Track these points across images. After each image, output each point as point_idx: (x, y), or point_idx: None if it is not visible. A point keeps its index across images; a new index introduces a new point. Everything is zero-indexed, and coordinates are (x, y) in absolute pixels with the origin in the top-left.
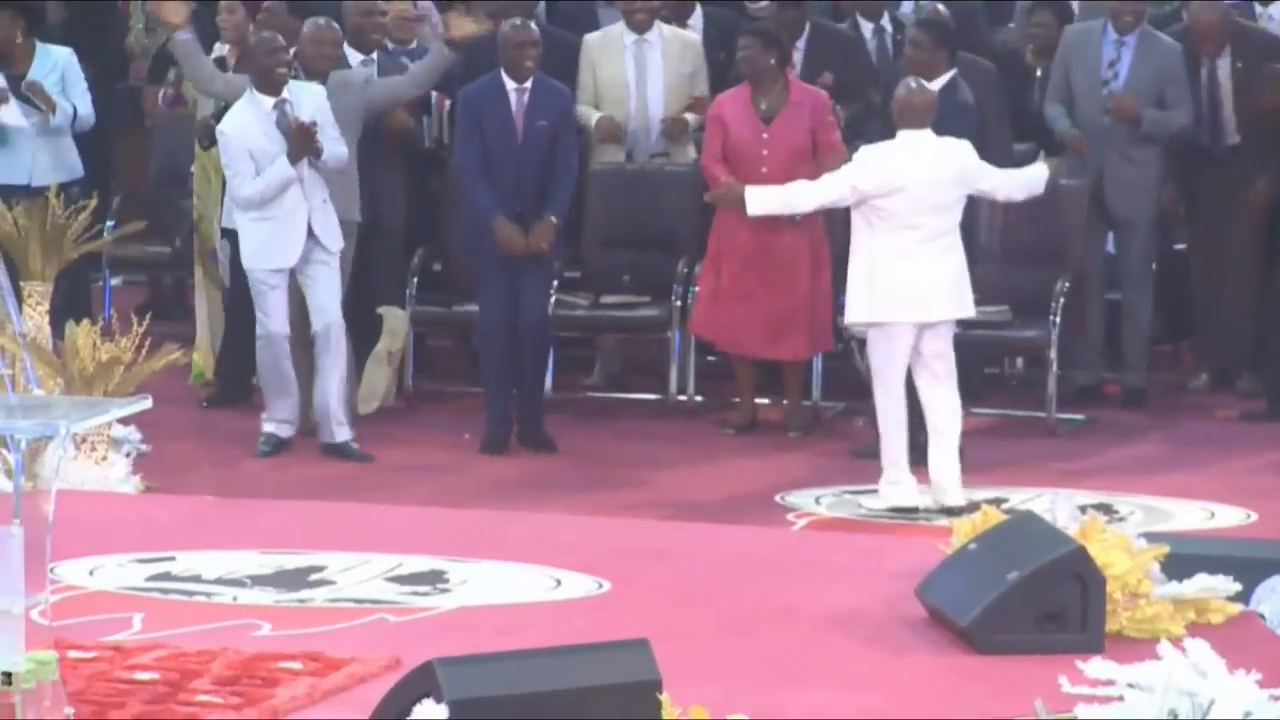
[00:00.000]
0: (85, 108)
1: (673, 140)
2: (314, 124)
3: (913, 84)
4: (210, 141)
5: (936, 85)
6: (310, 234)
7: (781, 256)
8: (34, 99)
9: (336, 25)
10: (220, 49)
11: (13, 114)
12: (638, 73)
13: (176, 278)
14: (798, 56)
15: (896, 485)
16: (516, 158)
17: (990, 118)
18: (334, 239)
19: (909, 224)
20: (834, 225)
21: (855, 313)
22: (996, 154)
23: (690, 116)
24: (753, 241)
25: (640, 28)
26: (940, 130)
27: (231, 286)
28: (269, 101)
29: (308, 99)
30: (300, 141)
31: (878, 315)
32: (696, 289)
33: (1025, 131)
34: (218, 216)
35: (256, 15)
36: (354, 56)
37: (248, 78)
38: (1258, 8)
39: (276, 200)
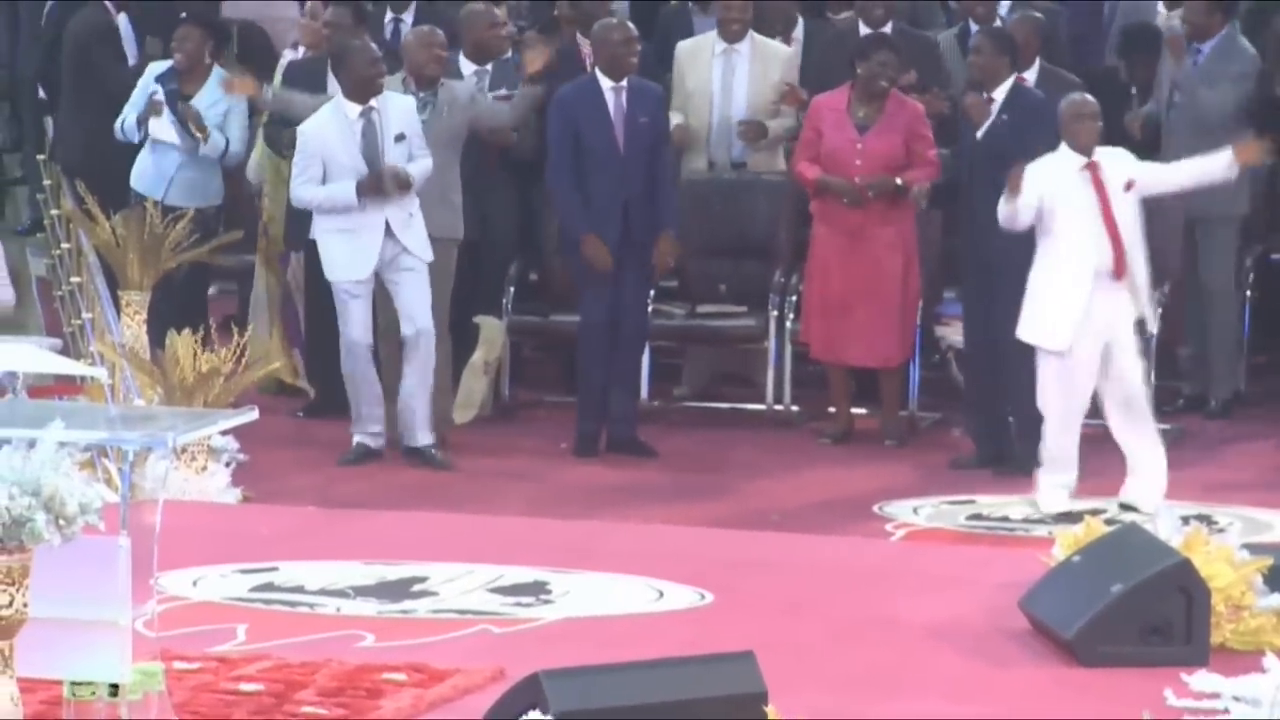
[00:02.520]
0: (238, 143)
1: (748, 142)
2: (402, 177)
3: (1075, 97)
4: (282, 147)
5: (1000, 92)
6: (394, 239)
7: (875, 264)
8: (189, 122)
9: (441, 31)
10: (292, 53)
11: (164, 129)
12: (723, 81)
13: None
14: None
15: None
16: (618, 158)
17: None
18: (421, 248)
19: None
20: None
21: None
22: None
23: (773, 124)
24: (847, 249)
25: (732, 37)
26: (1019, 130)
27: (309, 295)
28: (355, 109)
29: (395, 110)
30: (375, 184)
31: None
32: (795, 298)
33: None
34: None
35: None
36: (467, 66)
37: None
38: (1160, 9)
39: (357, 212)
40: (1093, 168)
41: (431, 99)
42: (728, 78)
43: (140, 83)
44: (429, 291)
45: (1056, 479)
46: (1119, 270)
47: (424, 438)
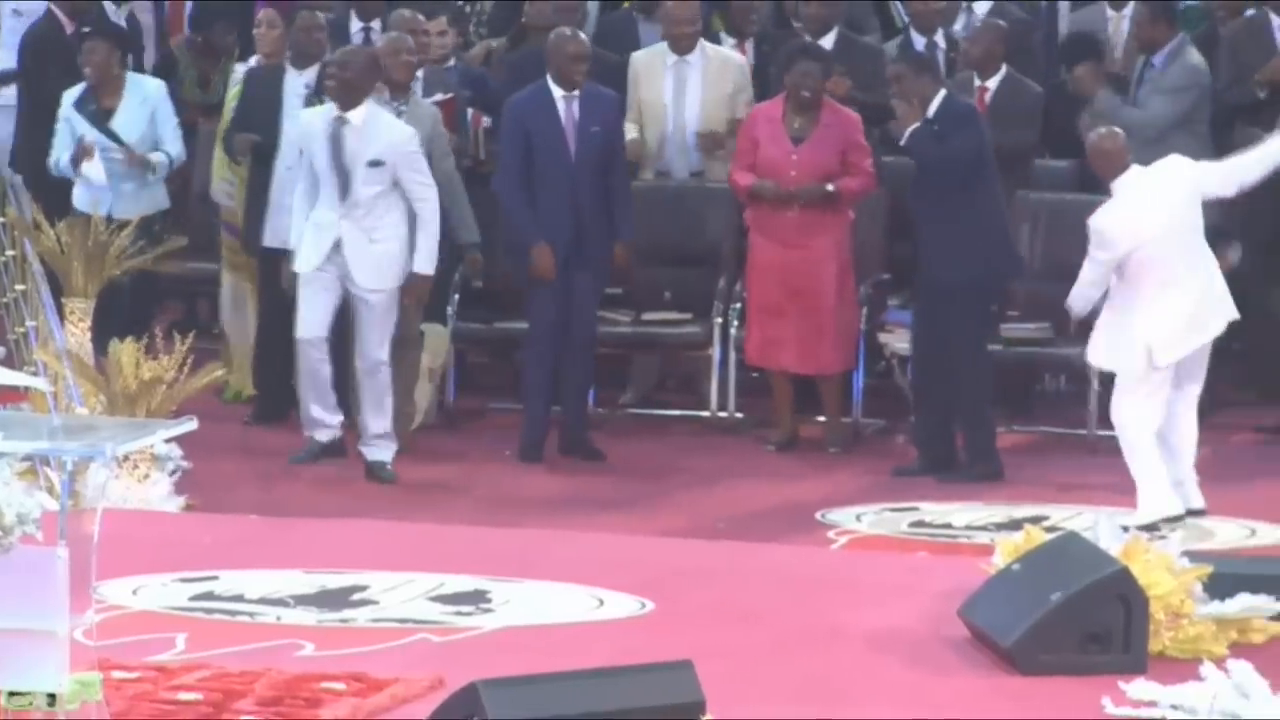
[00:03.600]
0: (176, 147)
1: (707, 154)
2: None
3: (1102, 130)
4: (237, 153)
5: (933, 107)
6: (343, 258)
7: (809, 272)
8: (132, 165)
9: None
10: (253, 61)
11: (96, 170)
12: (676, 93)
13: (215, 295)
14: None
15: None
16: (568, 166)
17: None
18: (370, 278)
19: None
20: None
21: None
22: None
23: (726, 131)
24: (782, 258)
25: (682, 49)
26: (945, 134)
27: (263, 302)
28: (333, 113)
29: (380, 133)
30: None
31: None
32: (740, 306)
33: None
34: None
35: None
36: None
37: None
38: (1273, 19)
39: (316, 206)
40: None
41: (403, 107)
42: (680, 89)
43: (60, 113)
44: (383, 322)
45: None
46: None
47: (375, 454)
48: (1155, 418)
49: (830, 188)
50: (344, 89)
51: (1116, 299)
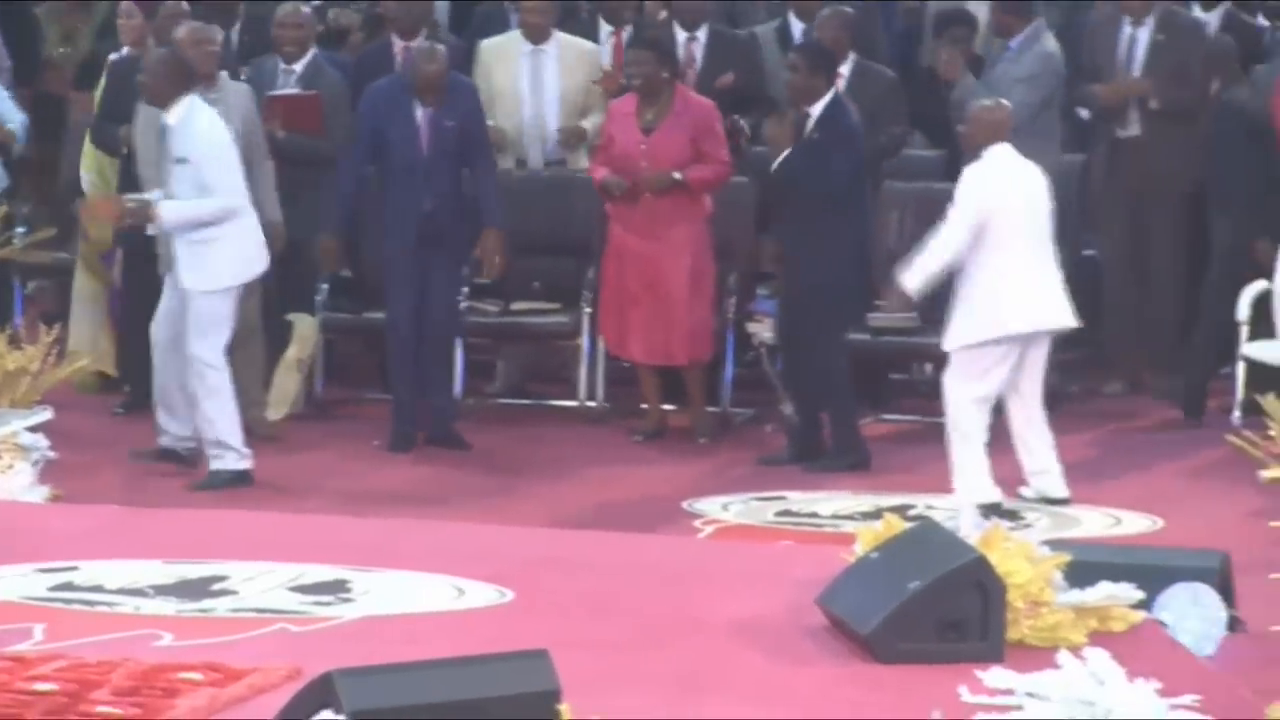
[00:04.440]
0: (21, 116)
1: (569, 149)
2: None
3: (988, 101)
4: (118, 146)
5: (817, 109)
6: (173, 260)
7: (662, 262)
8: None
9: (216, 28)
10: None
11: None
12: (533, 82)
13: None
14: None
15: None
16: (421, 161)
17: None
18: (186, 275)
19: (1024, 239)
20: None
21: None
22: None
23: (587, 124)
24: (637, 247)
25: (536, 38)
26: (826, 153)
27: (126, 293)
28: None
29: (189, 130)
30: None
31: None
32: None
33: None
34: None
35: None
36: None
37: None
38: (1196, 11)
39: None
40: None
41: (213, 95)
42: (537, 77)
43: None
44: (198, 322)
45: None
46: None
47: (213, 464)
48: (990, 399)
49: (678, 175)
50: (146, 92)
51: (968, 279)
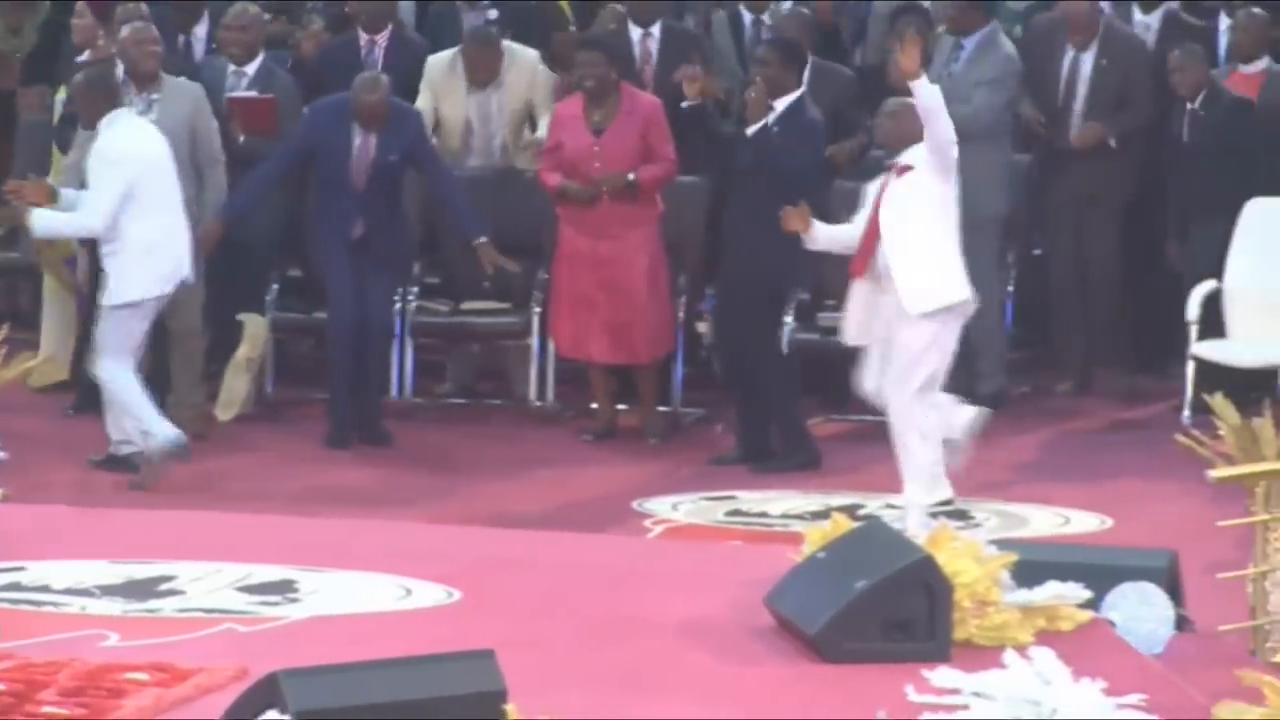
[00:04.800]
0: None
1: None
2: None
3: (897, 106)
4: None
5: (782, 104)
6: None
7: (619, 264)
8: None
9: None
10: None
11: None
12: (480, 113)
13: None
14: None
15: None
16: (357, 195)
17: (848, 120)
18: (104, 290)
19: None
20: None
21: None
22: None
23: (537, 135)
24: (590, 249)
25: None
26: (788, 150)
27: (90, 297)
28: None
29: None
30: None
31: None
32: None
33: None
34: None
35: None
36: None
37: None
38: (1137, 14)
39: None
40: (893, 168)
41: (155, 96)
42: (484, 109)
43: None
44: (102, 334)
45: None
46: (855, 271)
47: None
48: (929, 389)
49: (631, 176)
50: (79, 113)
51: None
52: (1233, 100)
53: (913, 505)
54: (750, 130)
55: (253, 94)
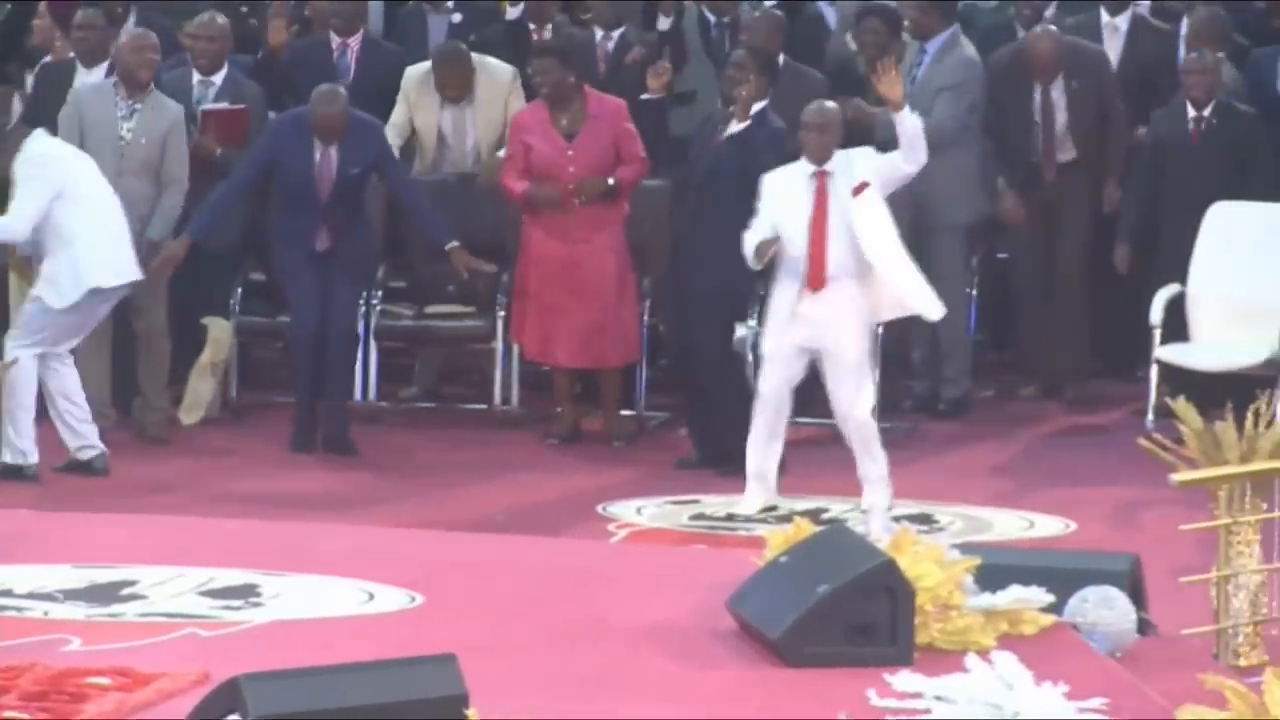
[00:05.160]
0: None
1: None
2: None
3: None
4: None
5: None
6: None
7: (587, 267)
8: None
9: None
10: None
11: None
12: (455, 127)
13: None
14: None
15: None
16: (319, 207)
17: None
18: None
19: None
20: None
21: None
22: None
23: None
24: (560, 252)
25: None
26: (752, 159)
27: None
28: None
29: None
30: None
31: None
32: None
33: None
34: None
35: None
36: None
37: None
38: (1104, 16)
39: None
40: (820, 176)
41: (137, 106)
42: (459, 123)
43: None
44: (32, 314)
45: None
46: (813, 283)
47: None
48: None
49: (610, 181)
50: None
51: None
52: (1243, 111)
53: (875, 509)
54: (732, 130)
55: (225, 105)
